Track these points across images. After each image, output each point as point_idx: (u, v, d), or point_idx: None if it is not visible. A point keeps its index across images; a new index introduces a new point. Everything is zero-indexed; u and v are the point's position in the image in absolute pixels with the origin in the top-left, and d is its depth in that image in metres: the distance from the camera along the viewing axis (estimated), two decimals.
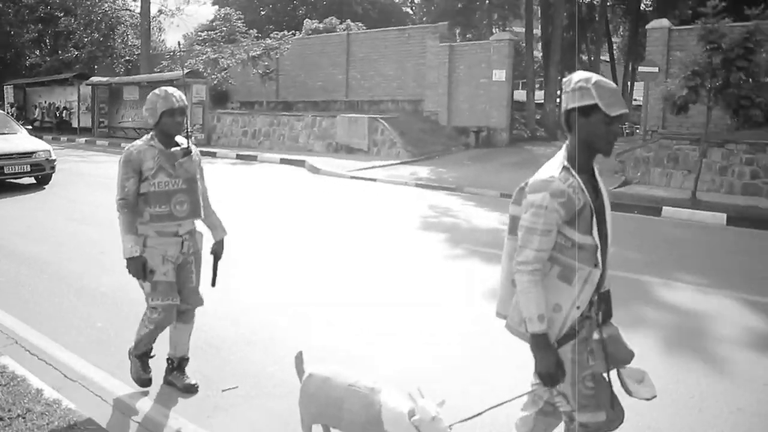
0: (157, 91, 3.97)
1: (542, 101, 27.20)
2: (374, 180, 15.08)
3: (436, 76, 22.19)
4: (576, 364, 2.51)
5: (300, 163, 18.03)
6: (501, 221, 10.22)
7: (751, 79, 11.37)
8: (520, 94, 28.46)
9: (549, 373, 2.47)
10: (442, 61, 21.95)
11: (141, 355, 4.18)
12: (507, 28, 34.62)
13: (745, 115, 11.23)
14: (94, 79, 27.99)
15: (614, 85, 2.51)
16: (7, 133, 13.73)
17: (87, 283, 6.49)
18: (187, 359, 4.30)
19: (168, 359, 4.27)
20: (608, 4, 28.78)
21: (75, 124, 29.47)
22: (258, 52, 23.95)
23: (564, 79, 2.59)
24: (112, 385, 4.26)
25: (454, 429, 2.78)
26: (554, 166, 2.51)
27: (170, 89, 3.94)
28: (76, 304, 5.85)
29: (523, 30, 29.66)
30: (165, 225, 3.95)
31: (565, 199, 2.41)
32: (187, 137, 4.18)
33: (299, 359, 3.34)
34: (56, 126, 30.02)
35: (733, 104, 11.32)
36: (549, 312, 2.50)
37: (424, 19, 30.25)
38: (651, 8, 32.87)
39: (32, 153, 12.90)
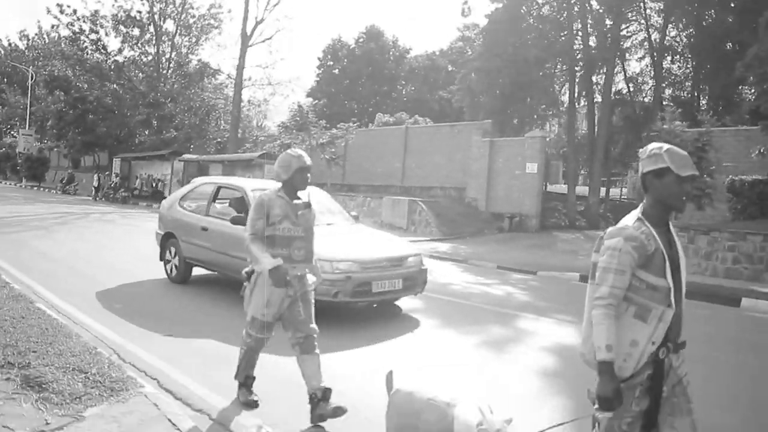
0: (290, 151, 4.57)
1: (586, 194, 29.14)
2: None
3: (478, 167, 24.69)
4: (629, 404, 2.77)
5: None
6: (475, 281, 12.46)
7: (705, 176, 13.43)
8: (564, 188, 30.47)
9: (607, 398, 2.70)
10: (484, 153, 24.49)
11: (245, 380, 4.65)
12: (545, 127, 37.06)
13: (698, 204, 13.18)
14: (186, 156, 32.02)
15: (684, 152, 2.89)
16: (345, 224, 9.26)
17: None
18: (330, 389, 4.38)
19: (311, 395, 4.36)
20: (662, 104, 30.74)
21: (166, 194, 33.46)
22: (324, 140, 27.22)
23: (640, 150, 3.01)
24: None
25: None
26: (630, 218, 2.88)
27: (301, 151, 4.56)
28: None
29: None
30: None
31: (637, 243, 2.75)
32: (308, 193, 4.67)
33: (389, 377, 3.61)
34: (151, 195, 34.16)
35: (689, 195, 13.34)
36: (626, 348, 2.76)
37: (472, 115, 33.13)
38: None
39: (403, 259, 8.19)
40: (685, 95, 36.05)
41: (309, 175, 4.52)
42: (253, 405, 4.56)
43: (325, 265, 6.95)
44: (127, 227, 19.14)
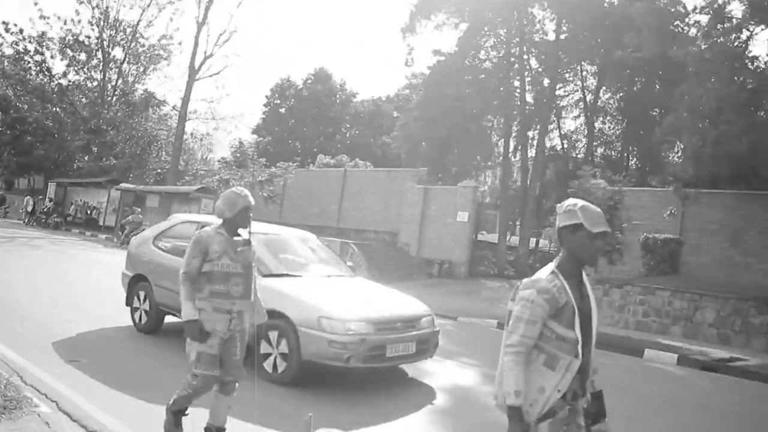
0: (236, 190, 4.71)
1: (516, 245, 30.11)
2: None
3: (412, 213, 25.31)
4: None
5: None
6: None
7: (617, 232, 14.32)
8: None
9: None
10: (418, 200, 25.15)
11: (176, 412, 4.54)
12: (483, 177, 38.30)
13: (609, 259, 14.02)
14: (123, 185, 31.74)
15: (598, 209, 3.05)
16: (343, 276, 8.65)
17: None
18: (224, 429, 4.64)
19: (206, 428, 4.60)
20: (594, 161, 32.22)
21: (101, 222, 33.07)
22: (263, 178, 27.55)
23: (558, 204, 3.16)
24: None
25: None
26: (545, 270, 3.02)
27: (246, 191, 4.72)
28: None
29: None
30: (221, 302, 4.48)
31: (549, 296, 2.88)
32: (249, 231, 4.73)
33: (307, 423, 3.85)
34: (84, 222, 33.67)
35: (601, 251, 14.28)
36: (534, 394, 2.87)
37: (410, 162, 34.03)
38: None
39: (417, 319, 7.52)
40: (616, 154, 37.88)
41: (251, 213, 4.64)
42: None
43: (336, 325, 6.56)
44: (55, 253, 18.95)
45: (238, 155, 29.61)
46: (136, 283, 9.00)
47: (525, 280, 3.02)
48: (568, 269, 2.99)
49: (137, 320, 8.88)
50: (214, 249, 4.46)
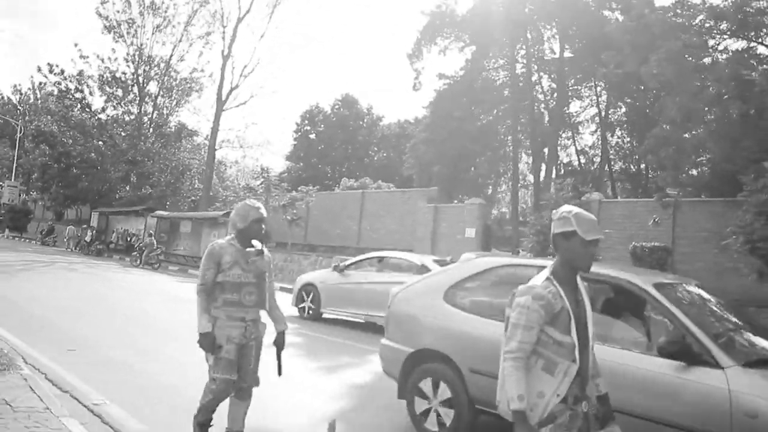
0: (248, 202, 4.81)
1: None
2: None
3: (424, 230, 26.55)
4: None
5: (290, 290, 22.31)
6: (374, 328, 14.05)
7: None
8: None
9: None
10: (429, 219, 26.39)
11: (202, 423, 4.72)
12: (497, 193, 39.26)
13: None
14: (158, 212, 33.80)
15: (592, 216, 3.07)
16: None
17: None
18: None
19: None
20: (612, 175, 32.88)
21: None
22: (285, 202, 29.16)
23: (553, 211, 3.17)
24: None
25: None
26: (540, 277, 3.03)
27: (258, 203, 4.83)
28: None
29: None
30: (234, 310, 4.63)
31: (544, 302, 2.91)
32: (262, 242, 4.87)
33: (332, 427, 3.95)
34: (125, 248, 35.77)
35: (594, 258, 15.45)
36: (534, 398, 2.90)
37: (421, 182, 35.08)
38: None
39: None
40: (634, 168, 38.51)
41: (264, 225, 4.76)
42: None
43: None
44: (87, 275, 20.74)
45: (262, 181, 31.33)
46: (419, 365, 5.76)
47: (521, 287, 3.06)
48: (562, 275, 3.05)
49: (434, 428, 5.56)
50: (225, 260, 4.59)
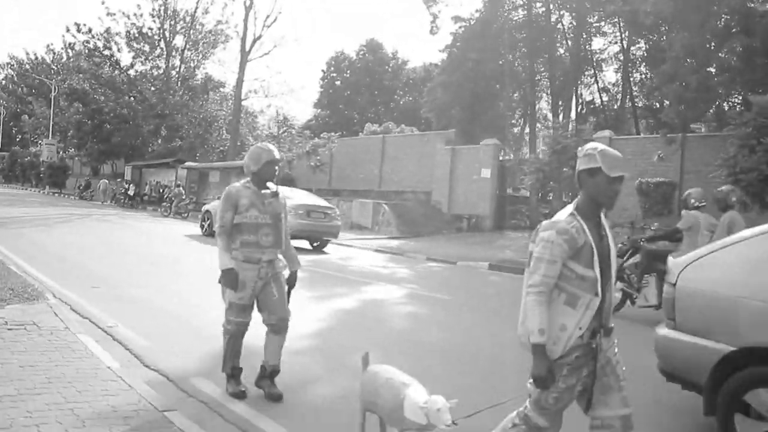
0: (260, 145, 4.91)
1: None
2: (350, 246, 19.95)
3: (442, 172, 27.29)
4: (556, 381, 3.00)
5: None
6: (380, 265, 15.04)
7: None
8: None
9: (542, 377, 2.96)
10: (446, 160, 27.07)
11: (231, 375, 4.87)
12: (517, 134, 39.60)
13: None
14: (188, 163, 35.02)
15: (618, 153, 3.08)
16: None
17: None
18: (278, 371, 4.89)
19: (262, 366, 4.89)
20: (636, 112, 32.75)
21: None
22: (308, 149, 30.04)
23: (579, 148, 3.22)
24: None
25: (459, 423, 3.31)
26: (564, 212, 3.09)
27: (270, 145, 4.89)
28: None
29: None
30: (252, 251, 4.72)
31: (568, 236, 2.95)
32: (276, 184, 4.96)
33: (365, 359, 3.97)
34: (158, 200, 37.18)
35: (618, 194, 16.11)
36: (556, 331, 2.97)
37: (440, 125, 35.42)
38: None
39: None
40: (657, 105, 38.32)
41: (277, 167, 4.84)
42: (241, 396, 4.78)
43: None
44: (119, 225, 22.03)
45: (285, 127, 32.19)
46: (741, 370, 4.05)
47: (544, 222, 3.10)
48: (586, 211, 3.05)
49: None
50: (242, 202, 4.67)
